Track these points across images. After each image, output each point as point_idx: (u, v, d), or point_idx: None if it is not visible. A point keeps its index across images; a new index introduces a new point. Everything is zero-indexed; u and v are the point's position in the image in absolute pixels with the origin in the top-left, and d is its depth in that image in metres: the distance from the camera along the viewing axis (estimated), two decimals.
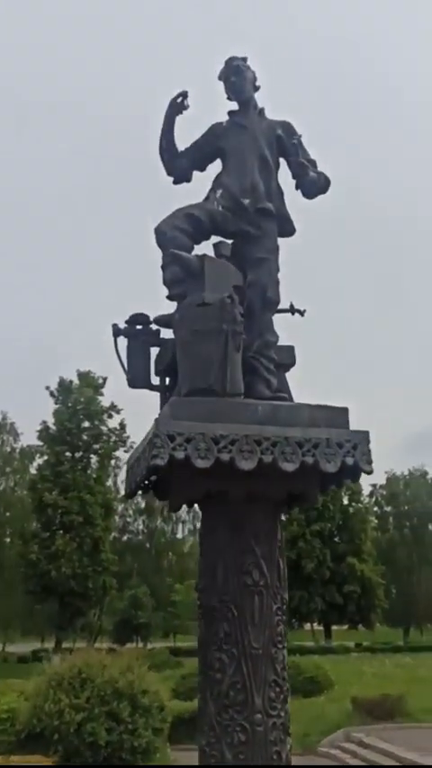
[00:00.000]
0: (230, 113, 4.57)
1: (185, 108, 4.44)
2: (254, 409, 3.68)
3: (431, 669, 29.76)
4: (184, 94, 4.42)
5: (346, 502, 54.64)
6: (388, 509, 63.77)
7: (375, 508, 63.02)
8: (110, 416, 45.10)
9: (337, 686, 22.75)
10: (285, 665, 3.76)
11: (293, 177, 4.52)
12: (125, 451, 44.05)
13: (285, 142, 4.46)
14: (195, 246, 4.21)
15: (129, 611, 51.55)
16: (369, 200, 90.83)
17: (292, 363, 4.42)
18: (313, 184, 4.43)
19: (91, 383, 44.51)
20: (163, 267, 4.22)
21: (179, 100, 4.43)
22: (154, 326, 4.41)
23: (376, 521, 62.06)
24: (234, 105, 4.61)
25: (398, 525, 62.79)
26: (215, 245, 4.08)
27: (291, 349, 4.42)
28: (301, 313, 4.64)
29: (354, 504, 55.69)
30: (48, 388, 44.42)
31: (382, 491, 63.28)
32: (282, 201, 4.43)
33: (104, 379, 44.40)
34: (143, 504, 59.30)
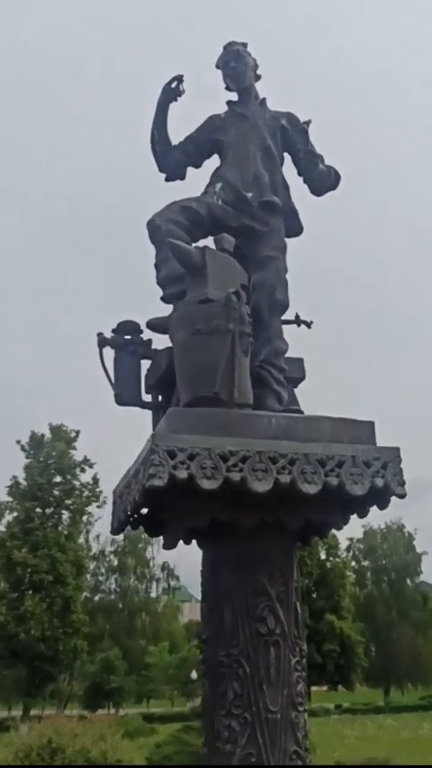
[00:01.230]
0: (229, 103, 4.14)
1: (180, 94, 4.00)
2: (267, 421, 3.13)
3: (414, 730, 28.78)
4: (178, 79, 3.97)
5: (323, 556, 53.57)
6: (366, 563, 62.71)
7: (353, 563, 61.94)
8: (82, 470, 43.87)
9: (319, 750, 21.63)
10: (307, 733, 3.12)
11: (299, 172, 4.08)
12: (98, 507, 42.84)
13: (291, 133, 4.03)
14: (193, 243, 3.71)
15: (100, 675, 49.36)
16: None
17: (302, 377, 3.90)
18: (324, 178, 3.99)
19: (63, 437, 43.47)
20: (157, 265, 3.71)
21: (173, 85, 3.98)
22: (145, 336, 3.87)
23: (354, 576, 60.92)
24: (232, 96, 4.18)
25: (376, 580, 61.65)
26: (216, 239, 3.57)
27: (300, 362, 3.90)
28: (308, 324, 4.14)
29: (331, 558, 54.61)
30: (19, 441, 43.28)
31: (360, 545, 62.27)
32: (288, 196, 3.97)
33: (77, 433, 43.41)
34: (116, 562, 57.63)
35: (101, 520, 43.76)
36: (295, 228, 3.98)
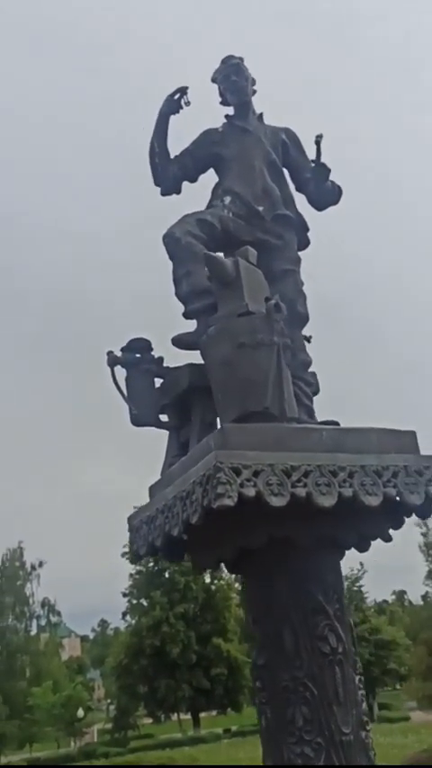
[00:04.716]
0: (228, 117, 4.09)
1: (183, 107, 3.90)
2: (318, 435, 3.06)
3: None
4: (182, 90, 3.88)
5: (207, 579, 53.57)
6: None
7: (236, 584, 62.30)
8: None
9: None
10: (375, 752, 3.05)
11: (298, 186, 4.08)
12: None
13: (290, 149, 4.04)
14: None
15: None
16: None
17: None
18: (330, 193, 4.02)
19: None
20: (176, 279, 3.58)
21: (176, 97, 3.88)
22: (155, 354, 3.72)
23: (238, 597, 61.22)
24: (228, 109, 4.14)
25: None
26: (241, 252, 3.48)
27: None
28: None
29: (216, 581, 54.71)
30: None
31: None
32: (296, 209, 3.96)
33: None
34: None
35: None
36: (303, 242, 3.98)
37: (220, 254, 3.51)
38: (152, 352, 3.70)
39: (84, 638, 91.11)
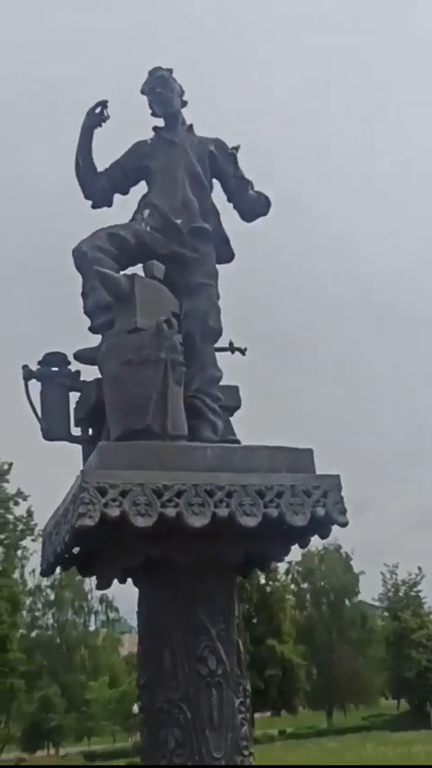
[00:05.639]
0: (156, 129, 4.07)
1: (105, 120, 3.91)
2: (202, 453, 3.03)
3: (358, 752, 28.61)
4: (103, 104, 3.89)
5: (262, 581, 53.39)
6: (305, 586, 62.77)
7: (292, 585, 61.91)
8: (16, 504, 42.67)
9: None
10: None
11: (229, 198, 4.03)
12: (33, 540, 41.61)
13: (219, 159, 3.98)
14: (121, 271, 3.60)
15: (39, 714, 47.75)
16: None
17: (237, 406, 3.81)
18: (254, 204, 3.95)
19: None
20: (84, 294, 3.59)
21: (98, 110, 3.89)
22: (72, 367, 3.73)
23: (294, 599, 60.89)
24: (158, 121, 4.12)
25: (315, 602, 61.74)
26: (146, 266, 3.47)
27: (234, 389, 3.82)
28: (242, 351, 4.07)
29: (271, 582, 54.46)
30: None
31: (298, 567, 62.31)
32: (219, 222, 3.91)
33: (10, 465, 42.23)
34: (53, 597, 56.14)
35: (36, 554, 42.36)
36: (226, 255, 3.92)
37: (134, 270, 3.51)
38: (69, 366, 3.71)
39: None
